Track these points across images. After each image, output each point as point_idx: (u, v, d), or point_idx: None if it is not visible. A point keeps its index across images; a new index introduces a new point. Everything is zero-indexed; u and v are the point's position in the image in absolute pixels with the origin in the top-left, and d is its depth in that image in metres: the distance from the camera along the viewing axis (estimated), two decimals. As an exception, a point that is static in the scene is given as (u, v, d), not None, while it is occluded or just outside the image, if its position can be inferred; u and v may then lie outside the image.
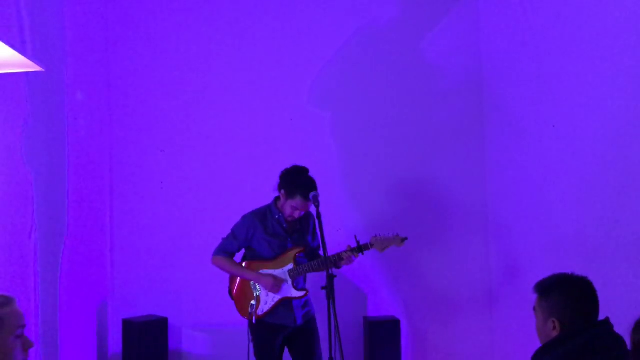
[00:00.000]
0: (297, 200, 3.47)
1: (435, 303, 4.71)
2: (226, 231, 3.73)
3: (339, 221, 4.52)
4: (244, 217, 3.65)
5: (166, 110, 4.81)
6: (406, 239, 3.69)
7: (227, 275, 3.71)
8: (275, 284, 3.52)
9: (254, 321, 3.46)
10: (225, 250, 3.61)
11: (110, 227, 4.74)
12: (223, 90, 4.81)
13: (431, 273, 4.73)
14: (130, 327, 4.33)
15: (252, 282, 3.59)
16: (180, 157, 4.78)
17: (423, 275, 4.72)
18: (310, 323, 3.72)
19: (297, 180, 3.51)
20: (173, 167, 4.77)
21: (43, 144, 3.66)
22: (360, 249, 3.54)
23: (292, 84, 4.80)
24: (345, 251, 3.54)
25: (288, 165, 3.88)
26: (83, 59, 4.31)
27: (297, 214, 3.55)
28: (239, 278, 3.65)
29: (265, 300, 3.56)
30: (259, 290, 3.57)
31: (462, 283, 4.70)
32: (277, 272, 3.57)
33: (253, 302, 3.50)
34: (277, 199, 3.65)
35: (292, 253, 3.61)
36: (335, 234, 4.28)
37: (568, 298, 1.95)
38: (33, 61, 2.32)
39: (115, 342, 4.62)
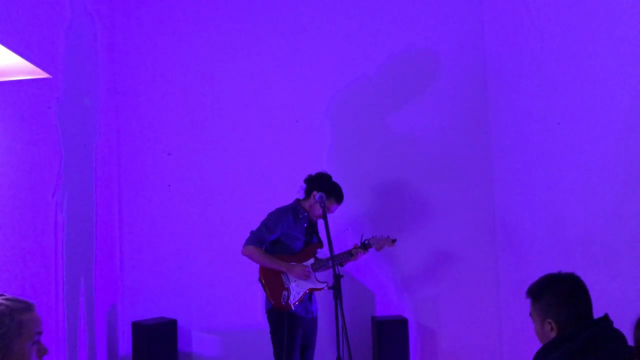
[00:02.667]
0: (331, 202, 3.82)
1: (443, 303, 4.71)
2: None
3: (346, 223, 4.54)
4: (279, 212, 3.86)
5: (173, 114, 4.84)
6: (395, 240, 4.07)
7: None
8: (307, 273, 3.75)
9: (293, 309, 3.70)
10: (260, 240, 3.79)
11: (119, 230, 4.77)
12: (229, 94, 4.83)
13: (439, 273, 4.72)
14: (140, 330, 4.35)
15: (283, 274, 3.76)
16: (187, 160, 4.81)
17: (431, 275, 4.72)
18: (317, 317, 3.98)
19: (329, 185, 3.86)
20: (180, 170, 4.80)
21: (68, 151, 3.73)
22: (365, 246, 3.95)
23: (299, 87, 4.82)
24: (355, 248, 3.93)
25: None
26: (91, 64, 4.34)
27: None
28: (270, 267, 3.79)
29: (296, 290, 3.76)
30: (290, 281, 3.76)
31: (469, 283, 4.70)
32: (304, 264, 3.81)
33: (285, 292, 3.72)
34: (299, 200, 3.92)
35: (313, 249, 3.90)
36: (343, 235, 4.31)
37: (559, 297, 1.97)
38: (41, 68, 2.34)
39: (125, 344, 4.65)
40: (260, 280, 3.79)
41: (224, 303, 4.70)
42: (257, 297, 4.67)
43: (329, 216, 3.73)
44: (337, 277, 3.26)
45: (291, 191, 4.13)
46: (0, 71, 2.27)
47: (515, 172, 4.33)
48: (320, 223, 3.93)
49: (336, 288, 3.23)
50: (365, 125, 4.80)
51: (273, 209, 3.88)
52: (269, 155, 4.76)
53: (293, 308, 3.71)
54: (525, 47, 4.07)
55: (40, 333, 1.66)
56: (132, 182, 4.83)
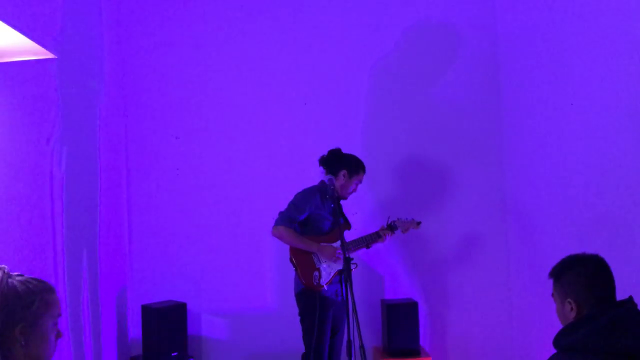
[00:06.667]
0: (361, 176, 3.90)
1: (453, 285, 4.70)
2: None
3: (355, 205, 4.51)
4: (306, 192, 3.82)
5: (180, 97, 4.81)
6: (420, 222, 4.12)
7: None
8: (337, 255, 3.74)
9: (325, 288, 3.71)
10: (290, 220, 3.74)
11: (127, 213, 4.77)
12: (237, 76, 4.79)
13: (449, 256, 4.71)
14: (150, 313, 4.36)
15: (313, 254, 3.75)
16: (195, 143, 4.79)
17: (440, 258, 4.71)
18: (344, 300, 3.88)
19: (353, 159, 3.90)
20: (188, 154, 4.78)
21: (69, 132, 3.70)
22: (391, 227, 3.99)
23: (307, 68, 4.77)
24: (382, 229, 3.98)
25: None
26: (97, 46, 4.31)
27: (355, 189, 3.93)
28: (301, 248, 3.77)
29: (327, 271, 3.76)
30: (320, 262, 3.75)
31: (479, 265, 4.68)
32: (333, 245, 3.80)
33: (316, 272, 3.71)
34: (324, 182, 3.87)
35: (342, 229, 3.79)
36: (352, 217, 4.27)
37: (580, 276, 1.94)
38: (46, 48, 2.31)
39: (134, 327, 4.67)
40: (291, 260, 3.77)
41: (234, 286, 4.70)
42: (267, 280, 4.67)
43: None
44: (347, 260, 3.23)
45: (301, 174, 4.10)
46: (3, 51, 2.24)
47: (527, 153, 4.28)
48: (344, 204, 3.96)
49: (346, 271, 3.20)
50: (372, 109, 4.76)
51: (283, 192, 3.85)
52: (279, 138, 4.73)
53: (326, 288, 3.70)
54: (537, 26, 4.01)
55: (60, 315, 1.69)
56: (140, 166, 4.81)
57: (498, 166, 4.70)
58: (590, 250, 2.05)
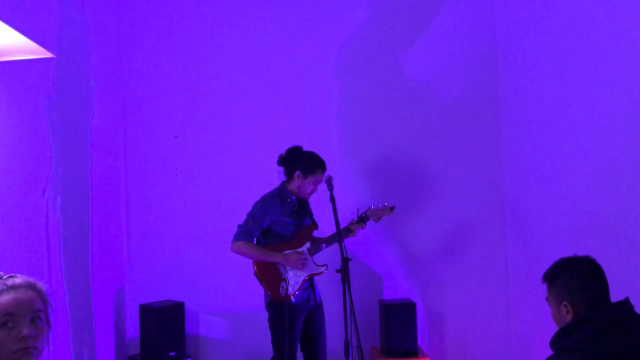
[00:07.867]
0: (318, 175, 3.67)
1: (451, 286, 4.69)
2: (242, 215, 3.74)
3: (354, 205, 4.50)
4: (264, 200, 3.69)
5: (179, 97, 4.81)
6: (394, 207, 3.91)
7: (245, 260, 3.74)
8: (302, 262, 3.63)
9: (293, 301, 3.57)
10: (248, 233, 3.63)
11: (125, 213, 4.77)
12: (235, 76, 4.80)
13: (447, 256, 4.70)
14: (148, 312, 4.36)
15: (278, 265, 3.64)
16: (193, 142, 4.79)
17: (439, 259, 4.70)
18: (322, 302, 3.86)
19: (309, 157, 3.71)
20: (187, 153, 4.78)
21: (65, 131, 3.68)
22: (362, 219, 3.80)
23: (304, 69, 4.77)
24: (352, 223, 3.80)
25: (304, 148, 3.89)
26: (96, 45, 4.30)
27: (315, 189, 3.74)
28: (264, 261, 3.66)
29: (295, 280, 3.64)
30: (287, 270, 3.64)
31: (478, 266, 4.67)
32: (298, 251, 3.67)
33: (283, 283, 3.58)
34: (284, 183, 3.77)
35: (308, 231, 3.75)
36: (350, 217, 4.27)
37: (574, 279, 1.94)
38: (45, 47, 2.31)
39: (132, 327, 4.66)
40: (256, 274, 3.66)
41: (232, 286, 4.69)
42: (265, 280, 4.66)
43: (315, 194, 3.72)
44: (345, 260, 3.21)
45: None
46: (1, 50, 2.23)
47: (526, 156, 4.28)
48: (312, 203, 3.84)
49: (344, 271, 3.19)
50: (370, 103, 4.76)
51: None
52: (275, 137, 4.71)
53: (293, 299, 3.58)
54: (536, 27, 4.00)
55: (10, 315, 1.56)
56: (139, 166, 4.81)
57: (497, 167, 4.70)
58: (589, 252, 2.05)
